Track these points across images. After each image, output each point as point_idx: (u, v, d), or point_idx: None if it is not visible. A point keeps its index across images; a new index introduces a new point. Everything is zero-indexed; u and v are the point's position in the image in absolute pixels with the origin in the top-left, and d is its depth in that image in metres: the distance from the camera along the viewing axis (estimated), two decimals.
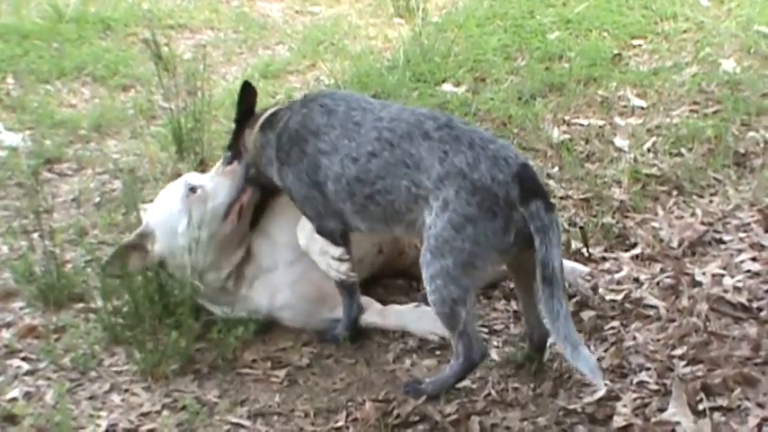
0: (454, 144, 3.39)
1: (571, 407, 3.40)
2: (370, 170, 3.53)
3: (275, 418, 3.46)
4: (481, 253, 3.33)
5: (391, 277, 4.26)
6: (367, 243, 4.04)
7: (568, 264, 4.06)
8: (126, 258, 3.81)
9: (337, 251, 3.70)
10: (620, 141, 5.39)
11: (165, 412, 3.50)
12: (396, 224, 3.58)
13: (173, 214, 3.84)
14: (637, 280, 4.15)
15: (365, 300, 3.91)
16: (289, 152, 3.71)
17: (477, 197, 3.30)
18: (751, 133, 5.34)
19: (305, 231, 3.79)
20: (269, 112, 3.87)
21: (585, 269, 4.15)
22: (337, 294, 3.84)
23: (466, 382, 3.55)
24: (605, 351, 3.70)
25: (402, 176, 3.45)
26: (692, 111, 5.71)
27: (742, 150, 5.17)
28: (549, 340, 3.58)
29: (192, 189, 3.86)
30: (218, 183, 3.89)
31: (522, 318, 3.77)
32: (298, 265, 3.90)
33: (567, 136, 5.51)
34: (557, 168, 5.15)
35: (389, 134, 3.52)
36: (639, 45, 6.97)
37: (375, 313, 3.90)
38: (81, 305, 4.17)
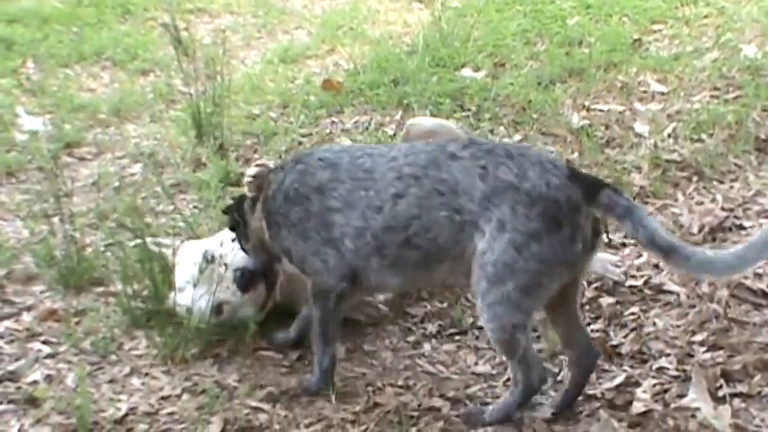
0: (490, 157, 3.11)
1: (591, 392, 3.39)
2: (398, 214, 3.20)
3: (295, 402, 3.46)
4: (548, 270, 3.06)
5: None
6: None
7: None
8: None
9: None
10: (641, 127, 5.37)
11: (185, 396, 3.51)
12: (439, 264, 3.22)
13: (202, 318, 3.74)
14: (657, 266, 4.13)
15: None
16: (287, 214, 3.40)
17: (538, 208, 3.02)
18: None
19: None
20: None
21: (615, 257, 4.15)
22: None
23: (486, 368, 3.56)
24: (625, 337, 3.70)
25: (439, 207, 3.13)
26: (712, 96, 5.68)
27: (763, 136, 5.14)
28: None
29: (220, 309, 3.77)
30: (244, 300, 3.79)
31: (563, 346, 3.42)
32: None
33: (587, 121, 5.49)
34: (576, 154, 5.13)
35: (410, 168, 3.21)
36: (660, 30, 6.94)
37: None
38: (101, 289, 4.19)
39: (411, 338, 3.80)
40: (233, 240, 3.76)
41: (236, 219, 3.70)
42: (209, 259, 3.77)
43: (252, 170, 3.60)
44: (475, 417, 3.30)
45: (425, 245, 3.19)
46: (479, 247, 3.08)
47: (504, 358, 3.29)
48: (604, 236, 4.25)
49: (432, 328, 3.86)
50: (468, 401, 3.40)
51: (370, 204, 3.24)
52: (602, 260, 4.08)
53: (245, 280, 3.75)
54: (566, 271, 3.10)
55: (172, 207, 4.75)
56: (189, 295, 3.74)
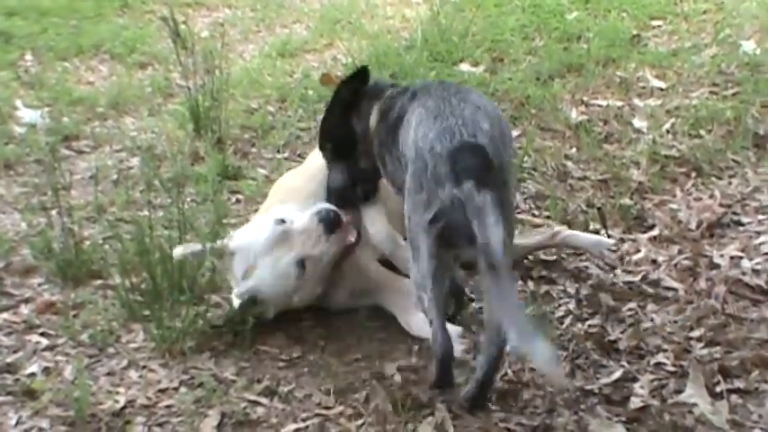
0: (432, 112, 3.20)
1: (588, 387, 3.40)
2: (396, 137, 3.44)
3: (292, 396, 3.46)
4: (412, 229, 3.16)
5: None
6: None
7: (593, 237, 4.08)
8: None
9: None
10: (639, 122, 5.38)
11: (183, 389, 3.51)
12: None
13: (286, 284, 3.72)
14: (654, 261, 4.14)
15: (396, 292, 3.87)
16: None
17: (415, 165, 3.13)
18: None
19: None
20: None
21: (610, 241, 4.16)
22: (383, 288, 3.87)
23: None
24: (622, 332, 3.70)
25: (406, 145, 3.31)
26: (711, 92, 5.69)
27: (761, 132, 5.15)
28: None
29: (302, 264, 3.71)
30: (325, 251, 3.75)
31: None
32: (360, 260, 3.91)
33: (586, 117, 5.50)
34: (575, 149, 5.14)
35: (416, 102, 3.37)
36: (659, 26, 6.94)
37: (403, 320, 3.81)
38: (99, 282, 4.18)
39: (411, 333, 3.80)
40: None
41: None
42: (280, 222, 3.74)
43: None
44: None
45: (395, 174, 3.45)
46: None
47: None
48: (603, 231, 4.28)
49: None
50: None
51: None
52: (599, 243, 4.09)
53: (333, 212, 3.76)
54: (424, 237, 3.11)
55: (169, 200, 4.75)
56: (261, 270, 3.70)
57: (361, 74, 3.74)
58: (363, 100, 3.70)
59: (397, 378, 3.52)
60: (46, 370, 3.62)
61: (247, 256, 3.74)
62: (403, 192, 3.30)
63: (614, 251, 4.11)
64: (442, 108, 3.20)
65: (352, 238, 3.79)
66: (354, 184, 3.79)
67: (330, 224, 3.73)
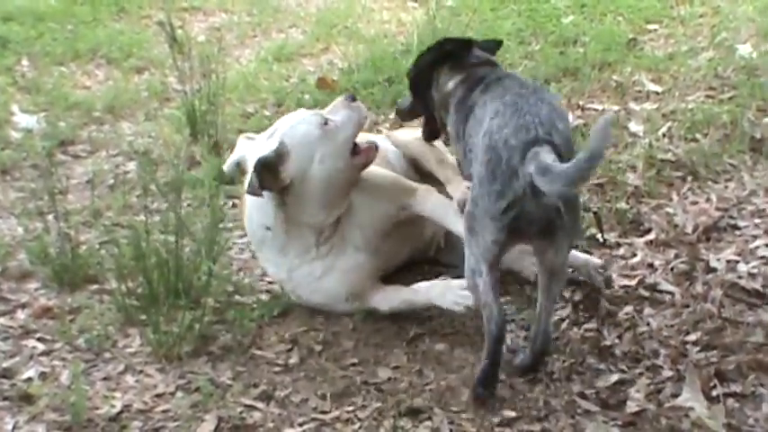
0: (510, 108, 3.29)
1: (585, 392, 3.40)
2: (465, 129, 3.55)
3: (288, 400, 3.46)
4: (477, 215, 3.27)
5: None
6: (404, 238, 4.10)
7: (581, 256, 4.05)
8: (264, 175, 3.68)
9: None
10: (635, 126, 5.37)
11: (179, 394, 3.51)
12: None
13: (312, 140, 3.77)
14: (651, 265, 4.14)
15: (393, 288, 3.92)
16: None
17: (487, 156, 3.23)
18: (767, 119, 5.31)
19: None
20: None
21: (599, 261, 4.08)
22: (369, 290, 3.91)
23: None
24: (619, 337, 3.70)
25: (476, 134, 3.40)
26: (707, 96, 5.68)
27: (758, 136, 5.13)
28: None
29: (326, 121, 3.82)
30: (347, 116, 3.88)
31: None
32: (360, 255, 3.91)
33: (582, 121, 5.49)
34: None
35: (489, 96, 3.48)
36: (655, 30, 6.94)
37: (406, 295, 3.86)
38: (95, 286, 4.19)
39: (406, 337, 3.80)
40: None
41: None
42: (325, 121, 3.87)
43: None
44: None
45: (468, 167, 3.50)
46: None
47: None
48: (599, 235, 4.27)
49: (429, 323, 3.86)
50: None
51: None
52: (587, 264, 4.05)
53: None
54: (490, 225, 3.23)
55: (166, 205, 4.75)
56: (286, 127, 3.86)
57: (466, 43, 3.88)
58: (449, 67, 3.83)
59: (394, 382, 3.52)
60: (42, 375, 3.62)
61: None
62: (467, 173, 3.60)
63: (602, 273, 4.05)
64: (519, 104, 3.29)
65: (371, 153, 3.89)
66: (417, 115, 4.09)
67: (351, 97, 3.96)
